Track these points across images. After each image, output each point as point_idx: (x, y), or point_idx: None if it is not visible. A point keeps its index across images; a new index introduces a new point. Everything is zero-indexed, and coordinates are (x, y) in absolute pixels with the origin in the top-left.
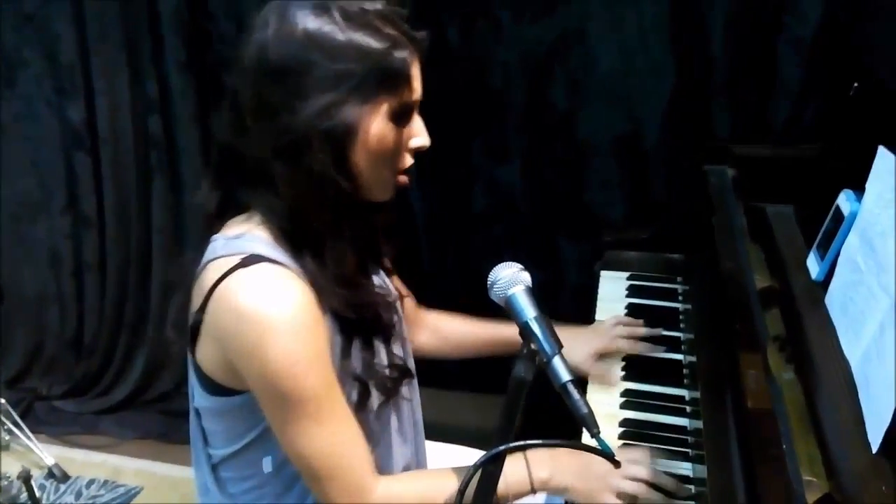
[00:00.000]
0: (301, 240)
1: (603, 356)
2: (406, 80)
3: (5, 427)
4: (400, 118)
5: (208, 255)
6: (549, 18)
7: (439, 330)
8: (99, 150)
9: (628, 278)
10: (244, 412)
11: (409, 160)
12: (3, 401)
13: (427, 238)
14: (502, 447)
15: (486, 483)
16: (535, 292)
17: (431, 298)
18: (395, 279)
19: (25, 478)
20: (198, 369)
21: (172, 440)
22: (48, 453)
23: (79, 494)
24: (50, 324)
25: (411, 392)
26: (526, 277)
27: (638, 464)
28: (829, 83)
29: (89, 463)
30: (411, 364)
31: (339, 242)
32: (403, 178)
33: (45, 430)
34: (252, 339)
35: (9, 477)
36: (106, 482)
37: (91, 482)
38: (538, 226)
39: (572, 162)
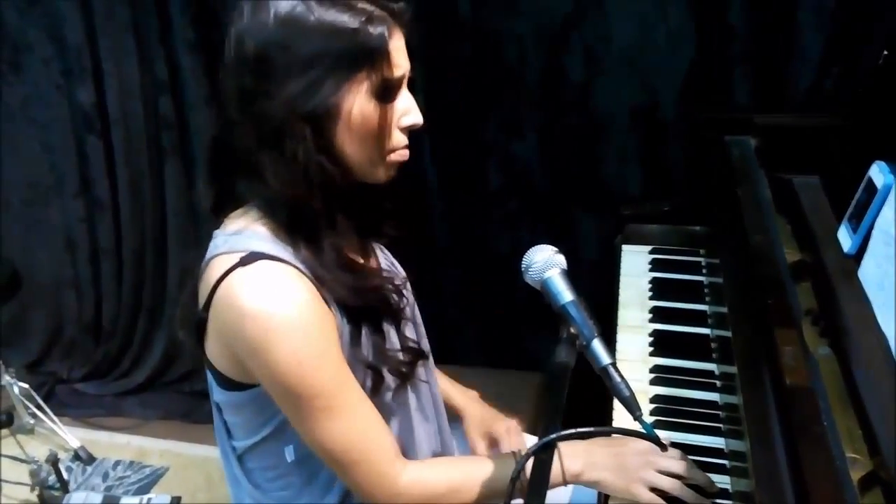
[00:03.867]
0: (296, 228)
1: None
2: (384, 55)
3: (29, 411)
4: (383, 95)
5: (210, 251)
6: None
7: None
8: (110, 132)
9: (650, 252)
10: (260, 404)
11: (401, 139)
12: (25, 385)
13: (442, 215)
14: (554, 436)
15: (539, 472)
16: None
17: (447, 275)
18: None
19: (54, 461)
20: (210, 365)
21: (195, 420)
22: (73, 436)
23: (105, 476)
24: (68, 308)
25: (427, 373)
26: (561, 260)
27: (671, 458)
28: (851, 49)
29: (114, 444)
30: (425, 345)
31: (335, 228)
32: (398, 156)
33: (68, 413)
34: (256, 339)
35: (37, 461)
36: (132, 463)
37: (117, 463)
38: (555, 201)
39: (589, 135)
